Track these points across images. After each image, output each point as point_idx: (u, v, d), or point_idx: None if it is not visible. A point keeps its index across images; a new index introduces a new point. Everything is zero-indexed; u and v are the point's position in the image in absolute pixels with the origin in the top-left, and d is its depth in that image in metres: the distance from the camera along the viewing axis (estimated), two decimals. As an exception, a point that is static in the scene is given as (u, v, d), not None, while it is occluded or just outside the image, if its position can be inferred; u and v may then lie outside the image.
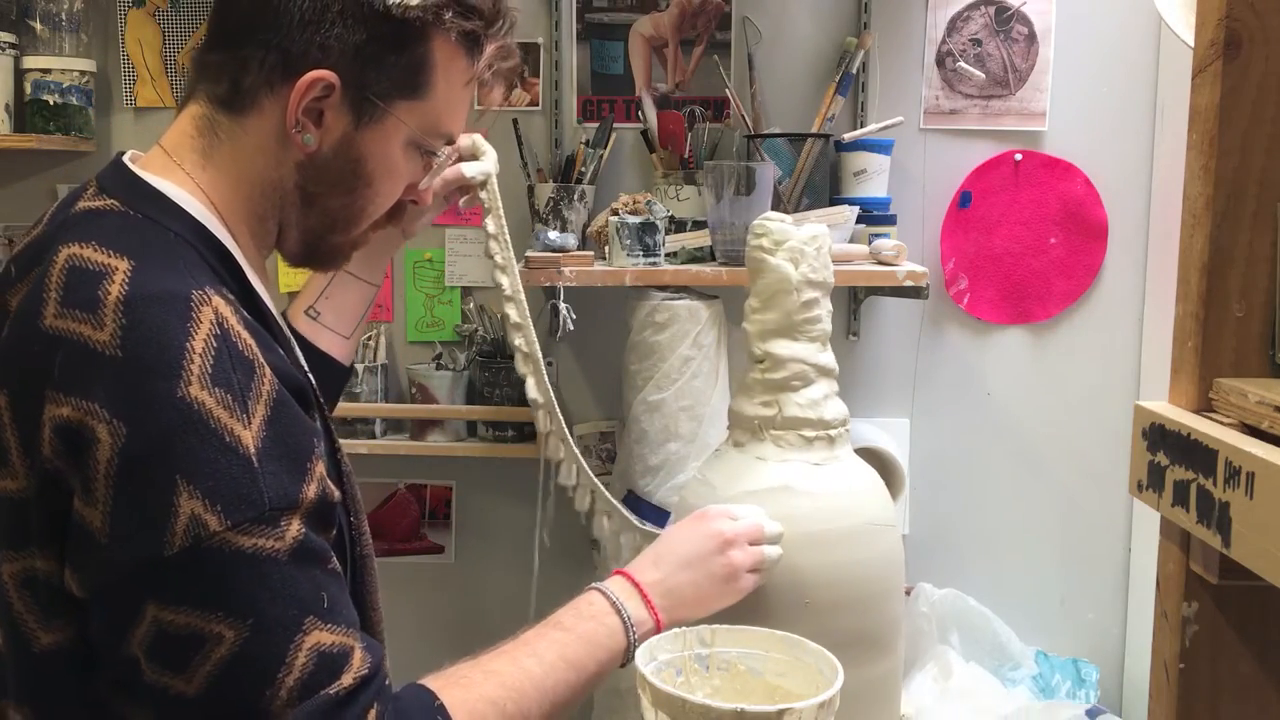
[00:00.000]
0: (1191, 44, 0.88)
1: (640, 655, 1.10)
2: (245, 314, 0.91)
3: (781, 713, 0.99)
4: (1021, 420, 2.22)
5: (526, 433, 2.13)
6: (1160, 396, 0.89)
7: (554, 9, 2.14)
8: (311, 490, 0.87)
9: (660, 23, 2.15)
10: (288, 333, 1.09)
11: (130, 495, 0.81)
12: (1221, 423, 0.81)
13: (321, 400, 1.03)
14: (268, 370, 0.87)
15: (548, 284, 1.92)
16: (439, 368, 2.19)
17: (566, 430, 1.68)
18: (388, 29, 0.94)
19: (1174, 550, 0.87)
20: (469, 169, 1.34)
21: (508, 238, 1.50)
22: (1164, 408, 0.86)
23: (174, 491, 0.80)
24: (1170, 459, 0.83)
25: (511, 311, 1.59)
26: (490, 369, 2.13)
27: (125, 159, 0.98)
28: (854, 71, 2.10)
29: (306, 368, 1.07)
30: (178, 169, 0.96)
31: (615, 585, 1.17)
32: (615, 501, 1.73)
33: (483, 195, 1.37)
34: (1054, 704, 1.99)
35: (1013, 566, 2.23)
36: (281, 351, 0.94)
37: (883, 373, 2.19)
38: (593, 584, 1.18)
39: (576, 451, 1.70)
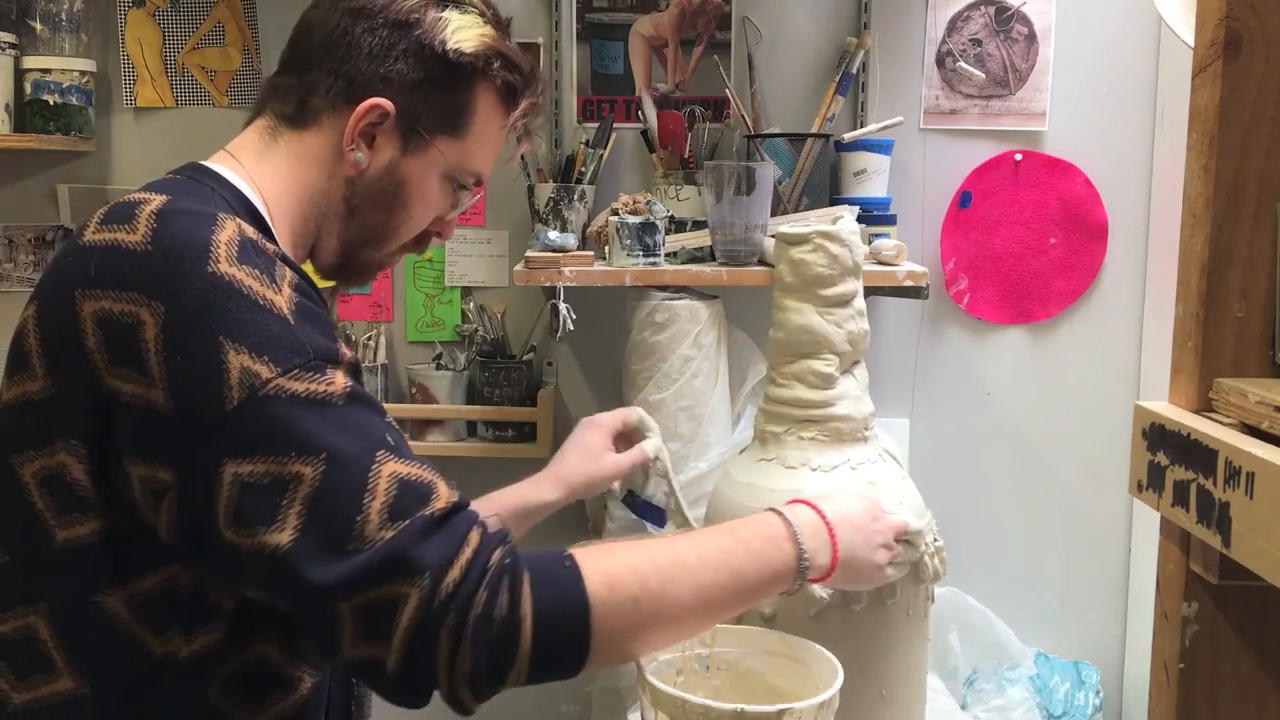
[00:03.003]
0: (1191, 44, 0.88)
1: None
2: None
3: (781, 713, 0.99)
4: (1021, 420, 2.22)
5: (526, 432, 2.13)
6: (1160, 396, 0.89)
7: (554, 9, 2.14)
8: (347, 352, 0.93)
9: (660, 23, 2.15)
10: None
11: (182, 365, 0.87)
12: (1221, 423, 0.81)
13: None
14: (288, 269, 0.94)
15: (548, 284, 1.92)
16: (439, 368, 2.19)
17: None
18: (442, 70, 1.07)
19: (1174, 550, 0.87)
20: (649, 447, 1.37)
21: (680, 501, 1.40)
22: (1164, 408, 0.87)
23: (220, 351, 0.86)
24: (1170, 459, 0.83)
25: None
26: (490, 369, 2.13)
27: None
28: (854, 71, 2.10)
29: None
30: (235, 162, 1.07)
31: (800, 515, 1.08)
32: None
33: (657, 465, 1.38)
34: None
35: (1013, 566, 2.23)
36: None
37: (883, 373, 2.19)
38: (773, 507, 1.09)
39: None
